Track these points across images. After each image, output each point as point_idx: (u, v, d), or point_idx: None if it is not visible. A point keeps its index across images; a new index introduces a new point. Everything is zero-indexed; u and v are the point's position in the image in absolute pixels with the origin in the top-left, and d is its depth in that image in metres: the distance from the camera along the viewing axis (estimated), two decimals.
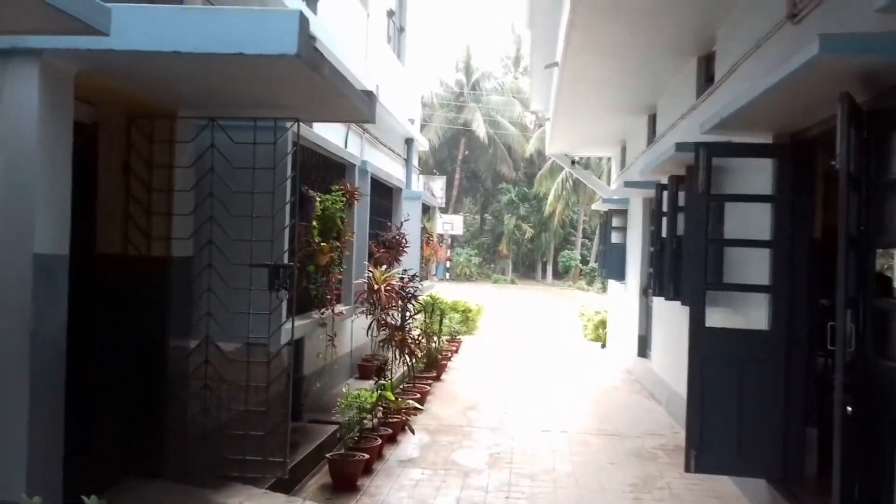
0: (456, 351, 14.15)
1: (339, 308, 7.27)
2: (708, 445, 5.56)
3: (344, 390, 6.54)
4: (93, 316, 4.98)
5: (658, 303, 10.26)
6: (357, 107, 5.18)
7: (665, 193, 8.59)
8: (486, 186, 50.86)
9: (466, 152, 49.58)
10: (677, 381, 8.79)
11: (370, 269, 7.95)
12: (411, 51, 16.09)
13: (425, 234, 13.06)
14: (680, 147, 6.85)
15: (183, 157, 5.16)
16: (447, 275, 44.70)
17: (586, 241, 48.63)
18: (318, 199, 6.44)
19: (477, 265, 47.84)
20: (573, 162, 16.43)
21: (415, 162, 15.99)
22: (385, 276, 7.84)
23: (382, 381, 7.15)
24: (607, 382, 11.71)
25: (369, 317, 7.85)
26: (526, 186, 48.50)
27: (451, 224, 44.12)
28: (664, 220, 8.62)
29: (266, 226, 5.09)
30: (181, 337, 5.14)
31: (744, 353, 5.55)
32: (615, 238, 14.18)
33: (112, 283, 5.07)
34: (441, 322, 11.72)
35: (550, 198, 42.59)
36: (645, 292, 11.93)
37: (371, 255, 8.97)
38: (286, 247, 5.27)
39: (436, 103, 47.61)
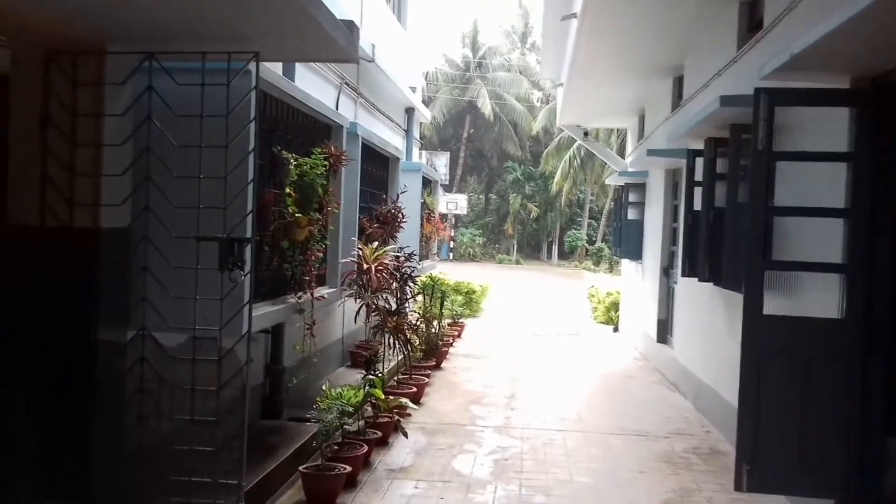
0: (458, 335, 13.16)
1: (322, 291, 6.25)
2: (764, 459, 4.54)
3: (324, 388, 5.52)
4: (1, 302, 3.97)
5: (684, 284, 9.21)
6: (333, 39, 4.12)
7: (698, 160, 7.52)
8: (491, 165, 49.65)
9: (472, 130, 48.31)
10: (707, 372, 7.78)
11: (360, 246, 6.91)
12: (413, 15, 14.95)
13: (426, 209, 12.01)
14: (726, 101, 5.76)
15: (114, 103, 4.13)
16: (451, 255, 43.67)
17: (593, 220, 47.46)
18: (292, 161, 5.39)
19: (481, 245, 46.78)
20: (585, 133, 15.31)
21: (416, 133, 14.91)
22: (377, 254, 6.80)
23: (371, 376, 6.14)
24: (623, 370, 10.70)
25: (358, 300, 6.82)
26: (532, 165, 47.29)
27: (455, 203, 43.04)
28: (696, 190, 7.55)
29: (218, 189, 4.05)
30: (112, 328, 4.13)
31: (811, 346, 4.51)
32: (632, 214, 13.10)
33: (25, 262, 4.05)
34: (442, 305, 10.69)
35: (557, 176, 41.35)
36: (666, 272, 10.89)
37: (362, 230, 7.94)
38: (246, 216, 4.21)
39: (441, 80, 46.31)
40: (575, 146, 39.08)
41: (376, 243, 7.03)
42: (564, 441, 6.70)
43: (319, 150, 5.95)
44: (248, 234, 4.14)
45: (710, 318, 7.76)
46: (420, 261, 11.52)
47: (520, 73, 47.05)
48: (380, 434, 6.01)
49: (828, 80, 4.65)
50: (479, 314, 17.47)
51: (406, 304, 8.12)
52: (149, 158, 4.11)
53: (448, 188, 45.86)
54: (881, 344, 4.41)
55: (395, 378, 7.96)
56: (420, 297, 10.73)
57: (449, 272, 17.86)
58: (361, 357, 8.88)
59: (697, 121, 6.68)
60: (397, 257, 8.24)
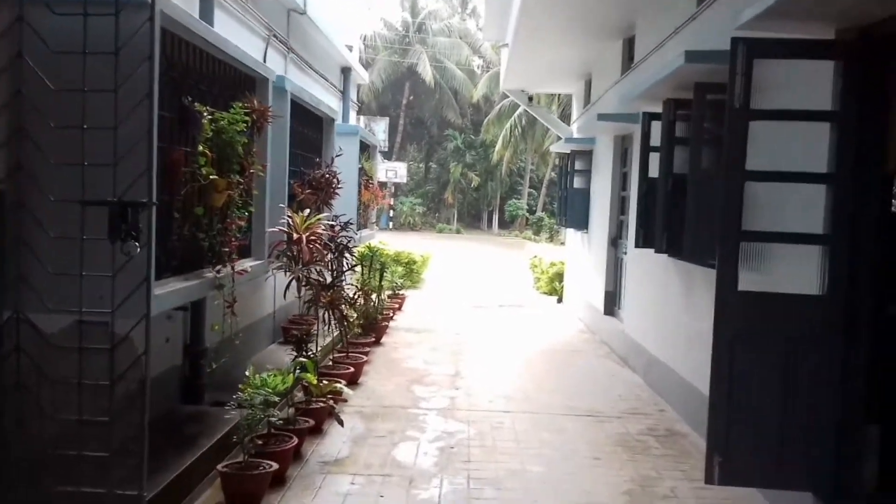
0: (399, 308, 12.57)
1: (245, 263, 5.57)
2: (737, 449, 4.14)
3: (248, 374, 4.88)
4: None
5: (635, 256, 8.83)
6: None
7: (654, 124, 7.06)
8: (431, 133, 48.84)
9: (411, 97, 47.32)
10: (660, 347, 7.43)
11: (289, 213, 6.23)
12: None
13: (364, 176, 11.31)
14: (692, 57, 5.28)
15: None
16: (390, 224, 42.95)
17: (533, 190, 47.32)
18: (206, 114, 4.67)
19: (421, 214, 46.13)
20: (530, 98, 14.79)
21: (353, 96, 14.13)
22: (308, 222, 6.14)
23: (302, 357, 5.51)
24: (570, 344, 10.33)
25: (288, 274, 6.16)
26: (472, 134, 46.72)
27: (394, 171, 42.25)
28: (652, 156, 7.10)
29: (107, 143, 3.33)
30: None
31: (789, 325, 4.10)
32: (577, 183, 12.68)
33: None
34: (381, 277, 10.09)
35: (498, 145, 40.85)
36: (614, 243, 10.52)
37: (293, 197, 7.23)
38: (141, 175, 3.50)
39: (379, 44, 45.08)
40: (516, 114, 38.63)
41: (308, 211, 6.35)
42: (513, 424, 6.23)
43: (240, 105, 5.23)
44: (147, 198, 3.44)
45: (664, 292, 7.39)
46: (358, 230, 10.86)
47: (460, 38, 46.17)
48: (312, 422, 5.41)
49: (809, 31, 4.18)
50: (421, 285, 16.93)
51: (342, 277, 7.49)
52: (20, 105, 3.36)
53: (388, 156, 44.96)
54: (863, 323, 4.03)
55: (331, 356, 7.36)
56: (358, 269, 10.12)
57: (389, 242, 17.22)
58: (294, 333, 8.27)
59: (657, 80, 6.19)
60: (332, 226, 7.58)
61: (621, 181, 10.36)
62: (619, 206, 10.41)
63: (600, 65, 11.55)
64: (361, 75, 14.31)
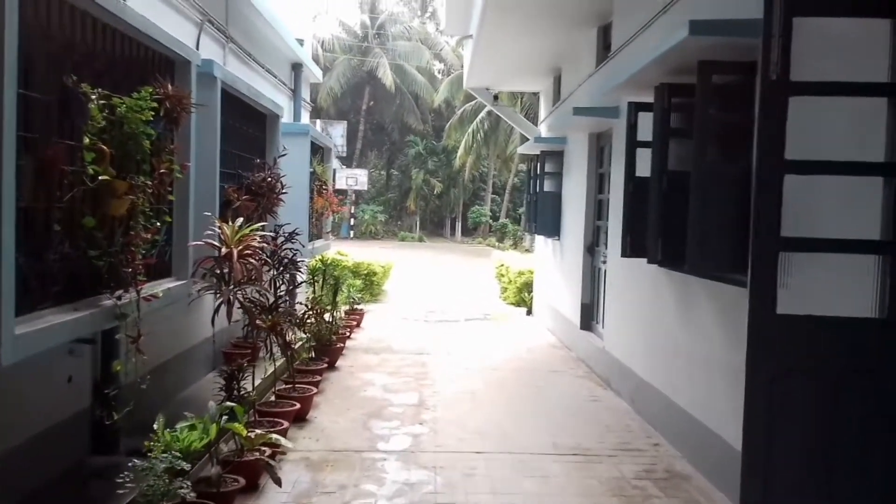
0: (357, 325, 11.58)
1: (159, 285, 4.54)
2: None
3: (156, 427, 3.84)
4: None
5: (617, 265, 7.97)
6: None
7: (642, 116, 6.19)
8: (392, 139, 47.81)
9: (371, 102, 46.21)
10: (651, 370, 6.56)
11: (218, 224, 5.20)
12: None
13: (317, 181, 10.29)
14: (697, 28, 4.41)
15: None
16: (351, 233, 41.79)
17: (496, 196, 46.59)
18: (95, 98, 3.64)
19: (383, 223, 44.99)
20: (495, 97, 13.92)
21: (305, 94, 13.09)
22: (241, 233, 5.11)
23: (230, 401, 4.48)
24: (545, 363, 9.43)
25: (218, 296, 5.12)
26: (434, 140, 45.81)
27: (354, 178, 41.07)
28: (640, 153, 6.24)
29: None
30: None
31: (840, 355, 3.22)
32: (548, 186, 11.81)
33: None
34: (335, 294, 9.08)
35: (460, 150, 39.96)
36: (590, 251, 9.65)
37: (228, 203, 6.21)
38: None
39: (338, 48, 43.94)
40: (478, 119, 37.87)
41: (240, 220, 5.33)
42: (489, 470, 5.26)
43: (150, 90, 4.21)
44: None
45: (655, 307, 6.52)
46: (311, 241, 9.85)
47: (420, 42, 45.27)
48: (243, 482, 4.37)
49: None
50: (382, 298, 15.91)
51: (286, 297, 6.48)
52: None
53: (348, 163, 43.79)
54: None
55: (274, 390, 6.32)
56: (311, 285, 9.12)
57: (349, 252, 16.22)
58: (237, 358, 7.27)
59: (651, 60, 5.31)
60: (274, 237, 6.58)
61: (597, 183, 9.51)
62: (596, 210, 9.55)
63: (572, 57, 10.71)
64: (314, 73, 13.28)
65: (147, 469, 3.40)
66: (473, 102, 38.21)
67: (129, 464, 3.46)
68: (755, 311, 3.22)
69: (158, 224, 4.36)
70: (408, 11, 48.44)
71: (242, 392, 5.09)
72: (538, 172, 12.16)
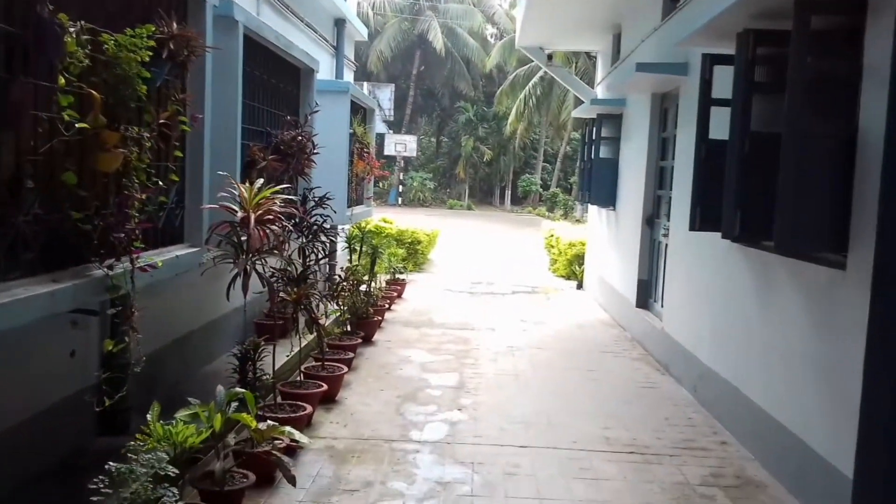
0: (399, 295, 11.06)
1: (161, 254, 4.02)
2: None
3: (149, 417, 3.34)
4: None
5: (681, 239, 7.22)
6: None
7: (717, 70, 5.40)
8: (442, 105, 46.92)
9: (422, 67, 45.32)
10: (718, 357, 5.87)
11: (235, 185, 4.64)
12: None
13: (356, 143, 9.70)
14: None
15: None
16: (399, 200, 41.33)
17: (547, 164, 45.49)
18: (72, 31, 3.08)
19: (432, 190, 44.35)
20: (550, 57, 13.08)
21: (349, 53, 12.47)
22: (261, 196, 4.55)
23: (238, 389, 3.95)
24: (596, 342, 8.75)
25: (233, 266, 4.58)
26: (485, 106, 44.78)
27: (404, 145, 40.51)
28: (714, 112, 5.46)
29: None
30: None
31: None
32: (604, 152, 11.01)
33: None
34: (374, 264, 8.54)
35: (511, 117, 38.92)
36: (650, 222, 8.88)
37: (252, 164, 5.66)
38: None
39: (388, 11, 43.09)
40: (531, 84, 36.78)
41: (261, 182, 4.74)
42: (533, 468, 4.67)
43: (150, 28, 3.64)
44: None
45: (728, 288, 5.78)
46: (349, 207, 9.31)
47: (473, 5, 44.07)
48: (252, 478, 3.85)
49: None
50: (426, 267, 15.37)
51: (315, 267, 5.93)
52: None
53: (397, 129, 43.18)
54: None
55: (301, 369, 5.81)
56: (348, 254, 8.60)
57: (395, 219, 15.69)
58: (269, 329, 6.83)
59: (731, 3, 4.54)
60: (303, 200, 6.03)
61: (660, 149, 8.70)
62: (657, 178, 8.76)
63: (634, 11, 9.82)
64: (359, 30, 12.61)
65: (125, 474, 2.88)
66: (526, 67, 37.11)
67: (106, 466, 2.95)
68: (880, 311, 2.52)
69: (161, 184, 3.82)
70: None
71: (259, 374, 4.57)
72: (594, 137, 11.35)
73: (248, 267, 4.48)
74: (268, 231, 4.64)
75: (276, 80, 6.57)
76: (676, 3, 7.84)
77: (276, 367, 5.87)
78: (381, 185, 42.92)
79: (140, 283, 3.67)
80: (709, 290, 6.28)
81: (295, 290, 5.27)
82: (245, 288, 4.40)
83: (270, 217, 4.68)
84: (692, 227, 5.60)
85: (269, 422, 3.83)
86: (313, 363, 6.19)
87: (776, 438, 4.74)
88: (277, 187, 4.71)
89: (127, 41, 3.42)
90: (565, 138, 41.63)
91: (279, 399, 5.11)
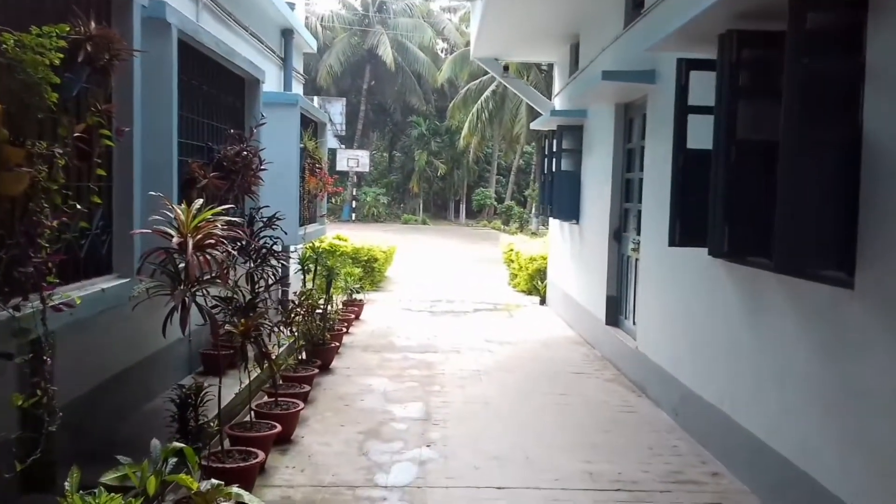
0: (357, 317, 10.54)
1: (74, 291, 3.47)
2: None
3: (67, 485, 2.79)
4: None
5: (653, 255, 6.89)
6: None
7: (695, 75, 5.07)
8: (394, 119, 46.50)
9: (373, 81, 44.87)
10: (702, 380, 5.52)
11: (171, 206, 4.09)
12: None
13: (308, 158, 9.18)
14: None
15: None
16: (353, 216, 40.67)
17: (501, 177, 45.37)
18: None
19: (385, 205, 43.79)
20: (505, 68, 12.75)
21: (298, 65, 11.94)
22: (200, 218, 4.03)
23: (176, 445, 3.40)
24: (567, 361, 8.37)
25: (169, 300, 4.02)
26: (437, 120, 44.50)
27: (356, 160, 39.87)
28: (692, 120, 5.13)
29: None
30: None
31: None
32: (565, 165, 10.70)
33: None
34: (329, 286, 8.01)
35: (464, 130, 38.62)
36: (617, 237, 8.55)
37: (192, 182, 5.11)
38: None
39: (337, 25, 42.56)
40: (482, 98, 36.60)
41: (199, 202, 4.21)
42: None
43: (66, 27, 3.11)
44: None
45: (710, 306, 5.43)
46: (302, 225, 8.78)
47: (423, 19, 43.85)
48: None
49: None
50: (384, 285, 14.85)
51: (265, 294, 5.40)
52: None
53: (349, 144, 42.51)
54: None
55: (251, 407, 5.25)
56: (300, 275, 8.06)
57: (350, 235, 15.15)
58: (215, 360, 6.26)
59: (712, 3, 4.21)
60: (249, 221, 5.50)
61: (625, 160, 8.39)
62: (622, 191, 8.44)
63: (593, 20, 9.54)
64: (308, 42, 12.10)
65: None
66: (477, 81, 36.97)
67: None
68: None
69: (80, 207, 3.27)
70: None
71: (201, 421, 4.03)
72: (554, 150, 11.03)
73: (186, 298, 3.93)
74: (209, 257, 4.11)
75: (217, 91, 6.04)
76: (639, 10, 7.56)
77: (225, 405, 5.32)
78: (334, 200, 42.28)
79: (58, 324, 3.13)
80: (688, 308, 5.94)
81: (242, 321, 4.73)
82: (183, 323, 3.85)
83: (212, 241, 4.14)
84: (672, 243, 5.24)
85: (213, 480, 3.30)
86: (266, 399, 5.64)
87: (775, 469, 4.37)
88: (219, 208, 4.18)
89: (32, 41, 2.90)
90: (518, 151, 41.58)
91: (228, 444, 4.56)
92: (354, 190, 41.96)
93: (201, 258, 3.99)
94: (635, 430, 5.90)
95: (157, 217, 3.97)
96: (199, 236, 4.03)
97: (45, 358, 2.98)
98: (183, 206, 4.08)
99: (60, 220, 3.08)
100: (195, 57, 5.42)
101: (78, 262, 3.66)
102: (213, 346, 6.41)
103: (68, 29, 3.18)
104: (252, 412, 5.15)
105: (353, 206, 41.49)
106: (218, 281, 4.12)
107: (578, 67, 10.52)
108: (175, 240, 3.89)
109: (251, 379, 5.04)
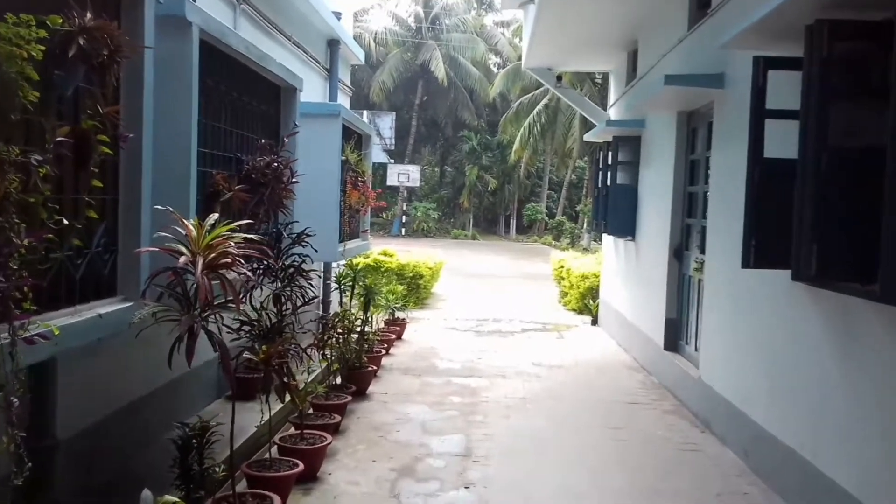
0: (398, 336, 10.11)
1: (64, 317, 3.08)
2: None
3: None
4: None
5: (720, 275, 6.26)
6: None
7: (773, 75, 4.48)
8: (445, 134, 46.24)
9: (424, 97, 44.71)
10: (777, 419, 4.89)
11: (182, 222, 3.69)
12: None
13: (349, 172, 8.79)
14: None
15: None
16: (402, 231, 40.43)
17: (552, 192, 44.61)
18: None
19: (436, 220, 43.43)
20: (559, 78, 12.23)
21: (343, 76, 11.62)
22: (212, 235, 3.61)
23: (168, 498, 2.96)
24: (622, 391, 7.74)
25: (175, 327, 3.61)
26: (489, 134, 44.05)
27: (406, 175, 39.72)
28: (769, 125, 4.53)
29: None
30: None
31: None
32: (621, 178, 10.09)
33: None
34: (367, 305, 7.58)
35: (516, 145, 38.02)
36: (677, 255, 7.92)
37: (215, 195, 4.73)
38: None
39: (390, 41, 42.60)
40: (535, 112, 36.02)
41: (214, 217, 3.80)
42: None
43: (58, 19, 2.75)
44: None
45: (792, 337, 4.80)
46: (342, 241, 8.39)
47: (475, 34, 43.57)
48: None
49: None
50: (429, 302, 14.39)
51: (292, 317, 4.97)
52: None
53: (400, 159, 42.39)
54: None
55: (273, 441, 4.81)
56: (338, 295, 7.66)
57: (397, 251, 14.77)
58: (248, 384, 5.91)
59: None
60: (276, 238, 5.10)
61: (687, 173, 7.77)
62: (684, 206, 7.82)
63: (653, 24, 8.97)
64: (355, 53, 11.79)
65: None
66: (530, 95, 36.46)
67: None
68: None
69: (66, 223, 2.88)
70: (463, 2, 46.68)
71: (206, 464, 3.59)
72: (609, 162, 10.44)
73: (195, 325, 3.51)
74: (224, 278, 3.69)
75: (249, 99, 5.67)
76: (706, 10, 6.97)
77: (247, 437, 4.91)
78: (384, 215, 42.18)
79: (37, 357, 2.74)
80: (764, 337, 5.30)
81: (264, 347, 4.30)
82: (190, 354, 3.43)
83: (227, 260, 3.72)
84: (746, 264, 4.63)
85: None
86: (292, 430, 5.21)
87: None
88: (235, 223, 3.76)
89: (8, 31, 2.52)
90: (570, 166, 40.82)
91: (245, 484, 4.13)
92: (405, 205, 41.75)
93: (221, 279, 3.59)
94: (701, 472, 5.27)
95: (165, 234, 3.57)
96: (212, 255, 3.62)
97: (12, 399, 2.56)
98: (194, 220, 3.68)
99: (42, 237, 2.68)
100: (224, 61, 5.06)
101: (72, 284, 3.28)
102: (246, 367, 6.05)
103: (60, 21, 2.82)
104: (274, 447, 4.71)
105: (403, 220, 41.27)
106: (231, 305, 3.69)
107: (637, 75, 9.94)
108: (182, 259, 3.48)
109: (272, 412, 4.60)
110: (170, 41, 4.02)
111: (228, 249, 3.67)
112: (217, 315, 3.73)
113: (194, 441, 3.59)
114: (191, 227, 3.61)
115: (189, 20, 4.14)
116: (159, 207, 3.66)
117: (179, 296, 3.60)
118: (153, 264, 3.75)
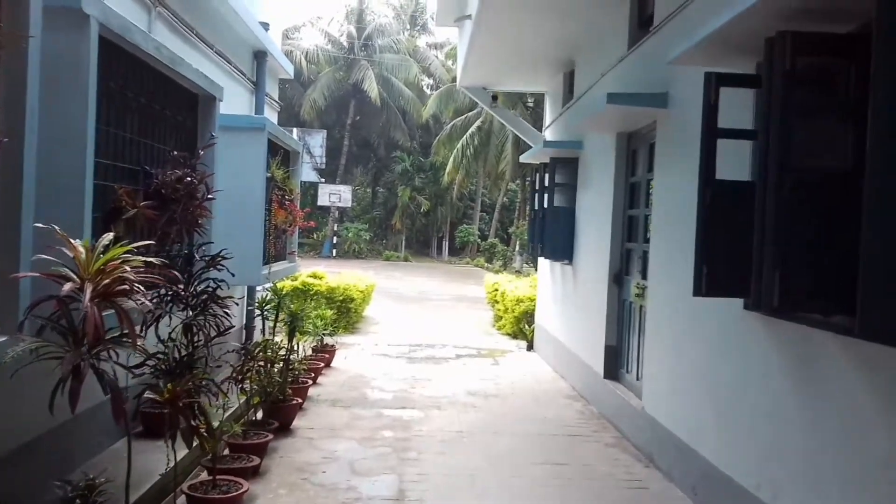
0: (327, 364, 9.57)
1: None
2: None
3: None
4: None
5: (663, 302, 6.01)
6: None
7: (725, 92, 4.25)
8: (378, 155, 45.84)
9: (357, 117, 44.22)
10: (726, 454, 4.60)
11: (71, 245, 3.16)
12: None
13: (276, 189, 8.27)
14: None
15: None
16: (333, 252, 39.65)
17: (485, 214, 44.69)
18: None
19: (367, 241, 42.83)
20: (494, 98, 12.00)
21: (271, 90, 11.09)
22: (104, 259, 3.09)
23: None
24: (562, 421, 7.42)
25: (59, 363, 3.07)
26: (421, 156, 43.89)
27: (338, 195, 39.06)
28: (721, 146, 4.29)
29: None
30: None
31: None
32: (558, 200, 9.87)
33: None
34: (292, 334, 7.05)
35: (449, 166, 37.88)
36: (617, 280, 7.69)
37: (116, 212, 4.19)
38: None
39: (322, 59, 42.05)
40: (467, 134, 36.01)
41: (108, 238, 3.27)
42: None
43: None
44: None
45: (745, 370, 4.54)
46: (268, 263, 7.86)
47: (409, 55, 43.47)
48: None
49: None
50: (360, 326, 13.87)
51: (204, 350, 4.44)
52: None
53: (331, 179, 41.69)
54: None
55: (180, 490, 4.25)
56: (261, 321, 7.11)
57: (329, 271, 14.23)
58: (158, 420, 5.31)
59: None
60: (187, 260, 4.57)
61: (628, 196, 7.57)
62: (625, 229, 7.61)
63: (591, 44, 8.81)
64: (283, 66, 11.28)
65: None
66: (463, 118, 36.48)
67: None
68: None
69: None
70: (396, 24, 46.57)
71: None
72: (545, 184, 10.21)
73: (81, 363, 2.98)
74: (119, 308, 3.17)
75: (161, 107, 5.15)
76: (647, 29, 6.81)
77: (152, 484, 4.34)
78: (314, 236, 41.34)
79: None
80: (713, 368, 5.04)
81: (168, 386, 3.77)
82: (74, 397, 2.89)
83: (124, 287, 3.21)
84: (697, 292, 4.35)
85: None
86: (204, 476, 4.65)
87: None
88: (133, 245, 3.25)
89: None
90: (503, 188, 40.97)
91: None
92: (336, 225, 41.05)
93: (96, 311, 3.06)
94: None
95: (47, 257, 3.03)
96: (104, 281, 3.10)
97: None
98: (84, 241, 3.15)
99: None
100: (131, 63, 4.54)
101: None
102: (155, 402, 5.46)
103: None
104: (182, 496, 4.15)
105: (335, 241, 40.53)
106: (127, 340, 3.17)
107: (574, 96, 9.77)
108: (68, 286, 2.96)
109: (182, 455, 4.05)
110: (63, 35, 3.51)
111: (124, 275, 3.17)
112: (112, 351, 3.20)
113: (85, 495, 3.03)
114: (79, 249, 3.09)
115: (86, 12, 3.63)
116: (39, 225, 3.12)
117: (65, 329, 3.07)
118: (35, 292, 3.20)
